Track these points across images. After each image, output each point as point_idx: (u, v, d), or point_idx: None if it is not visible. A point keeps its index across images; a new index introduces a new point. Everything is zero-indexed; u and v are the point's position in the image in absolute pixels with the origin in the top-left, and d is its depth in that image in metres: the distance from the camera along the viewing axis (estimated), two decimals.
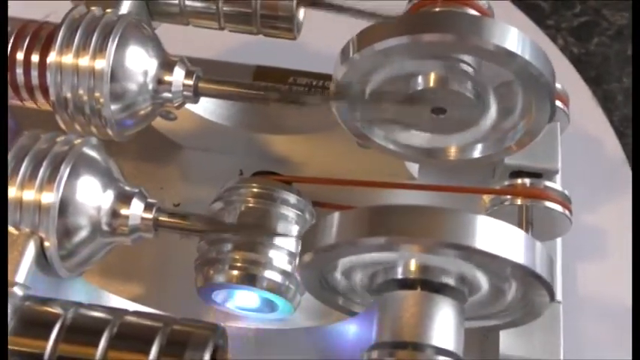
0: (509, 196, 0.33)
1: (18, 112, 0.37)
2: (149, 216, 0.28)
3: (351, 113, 0.31)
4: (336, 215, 0.26)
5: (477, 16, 0.31)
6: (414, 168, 0.39)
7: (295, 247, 0.32)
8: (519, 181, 0.34)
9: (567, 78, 0.43)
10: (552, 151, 0.35)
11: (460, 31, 0.28)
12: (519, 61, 0.28)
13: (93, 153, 0.28)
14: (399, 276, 0.26)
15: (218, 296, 0.33)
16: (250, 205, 0.34)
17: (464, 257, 0.25)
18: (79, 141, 0.27)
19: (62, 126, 0.30)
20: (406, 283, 0.26)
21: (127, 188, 0.28)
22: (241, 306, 0.34)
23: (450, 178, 0.38)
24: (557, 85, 0.33)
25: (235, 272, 0.32)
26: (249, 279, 0.32)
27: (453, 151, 0.32)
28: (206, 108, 0.38)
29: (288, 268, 0.32)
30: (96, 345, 0.24)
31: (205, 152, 0.40)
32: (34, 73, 0.30)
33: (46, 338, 0.24)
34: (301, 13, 0.34)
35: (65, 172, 0.26)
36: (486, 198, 0.34)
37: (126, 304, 0.32)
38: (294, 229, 0.33)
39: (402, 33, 0.28)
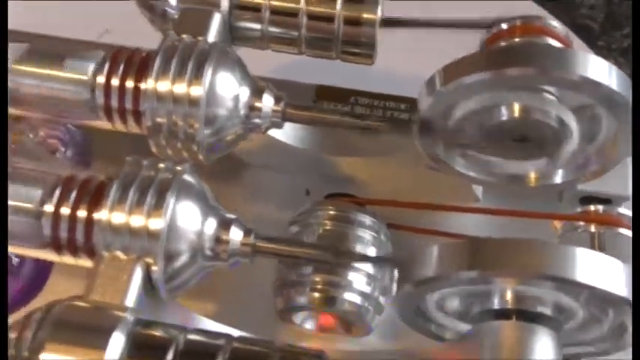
0: (582, 223, 0.34)
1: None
2: (248, 242, 0.29)
3: (432, 142, 0.32)
4: (436, 248, 0.27)
5: (558, 47, 0.32)
6: (478, 190, 0.39)
7: (373, 268, 0.33)
8: (592, 207, 0.34)
9: None
10: (623, 177, 0.36)
11: (543, 64, 0.29)
12: (604, 89, 0.29)
13: (192, 179, 0.28)
14: (496, 306, 0.27)
15: (298, 317, 0.34)
16: (327, 227, 0.34)
17: (564, 290, 0.25)
18: (179, 168, 0.28)
19: (154, 150, 0.31)
20: (502, 313, 0.27)
21: (226, 215, 0.29)
22: (320, 327, 0.35)
23: (513, 200, 0.38)
24: None
25: (316, 294, 0.33)
26: (330, 301, 0.33)
27: (533, 177, 0.33)
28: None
29: (367, 289, 0.33)
30: None
31: (270, 171, 0.41)
32: (128, 98, 0.30)
33: None
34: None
35: (171, 199, 0.27)
36: (557, 224, 0.35)
37: (212, 325, 0.32)
38: (372, 251, 0.34)
39: (487, 67, 0.29)
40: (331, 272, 0.33)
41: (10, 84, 0.32)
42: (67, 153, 0.40)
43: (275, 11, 0.33)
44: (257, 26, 0.34)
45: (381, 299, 0.33)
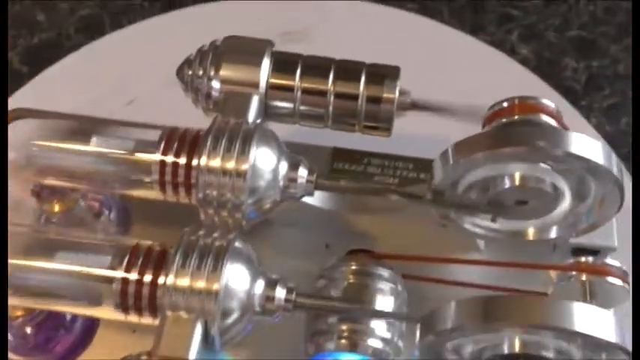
0: (574, 272, 0.39)
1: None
2: (291, 298, 0.33)
3: (444, 206, 0.37)
4: (453, 303, 0.31)
5: (548, 127, 0.37)
6: (481, 242, 0.44)
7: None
8: (583, 259, 0.39)
9: None
10: (609, 231, 0.40)
11: (534, 143, 0.34)
12: (589, 163, 0.34)
13: (241, 246, 0.33)
14: (505, 352, 0.31)
15: None
16: (351, 281, 0.39)
17: (562, 337, 0.30)
18: (231, 236, 0.33)
19: (202, 217, 0.35)
20: (510, 358, 0.31)
21: (272, 276, 0.33)
22: None
23: (512, 250, 0.43)
24: None
25: (343, 341, 0.37)
26: (355, 346, 0.37)
27: (531, 233, 0.38)
28: None
29: (388, 335, 0.38)
30: None
31: (293, 227, 0.46)
32: (181, 173, 0.35)
33: None
34: None
35: (226, 264, 0.32)
36: (553, 274, 0.40)
37: None
38: (390, 301, 0.38)
39: (490, 146, 0.34)
40: (356, 321, 0.37)
41: (69, 162, 0.36)
42: (111, 216, 0.44)
43: (305, 91, 0.38)
44: (289, 105, 0.38)
45: (400, 343, 0.38)
